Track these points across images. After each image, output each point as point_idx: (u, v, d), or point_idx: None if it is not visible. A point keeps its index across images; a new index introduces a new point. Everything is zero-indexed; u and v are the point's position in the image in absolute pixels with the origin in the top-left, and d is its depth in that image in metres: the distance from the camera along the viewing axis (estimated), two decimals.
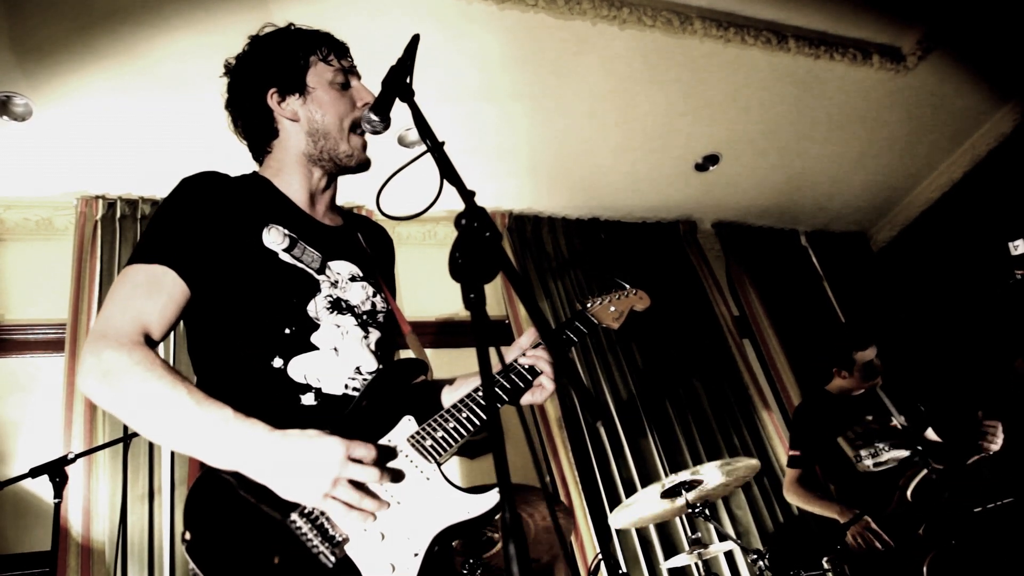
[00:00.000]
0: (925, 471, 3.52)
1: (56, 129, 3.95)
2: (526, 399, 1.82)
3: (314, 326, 1.67)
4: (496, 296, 5.19)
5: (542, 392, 1.81)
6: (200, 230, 1.63)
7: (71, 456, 2.97)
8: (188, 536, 1.36)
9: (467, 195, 1.32)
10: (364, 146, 1.88)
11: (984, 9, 4.73)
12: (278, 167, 1.87)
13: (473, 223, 1.24)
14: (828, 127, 5.54)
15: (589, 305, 2.12)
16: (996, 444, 3.43)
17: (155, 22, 3.53)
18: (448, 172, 1.41)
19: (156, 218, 1.67)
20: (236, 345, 1.62)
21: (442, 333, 4.84)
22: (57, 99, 3.79)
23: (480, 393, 1.71)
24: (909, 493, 3.54)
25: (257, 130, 1.88)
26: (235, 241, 1.66)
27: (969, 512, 3.49)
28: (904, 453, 3.79)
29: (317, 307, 1.69)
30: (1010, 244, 3.10)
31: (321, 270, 1.75)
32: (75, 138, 4.03)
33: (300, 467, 1.38)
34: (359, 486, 1.43)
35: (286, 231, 1.74)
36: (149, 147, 4.18)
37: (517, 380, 1.77)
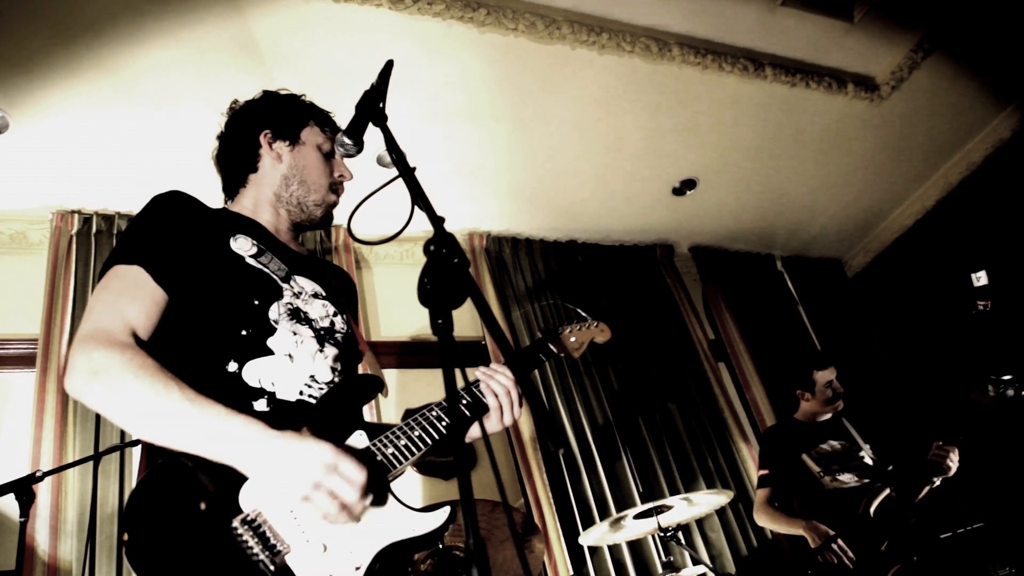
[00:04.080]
0: (887, 491, 3.60)
1: (32, 143, 3.93)
2: (480, 430, 1.84)
3: (271, 330, 1.69)
4: (474, 317, 5.19)
5: (495, 425, 1.83)
6: (173, 237, 1.68)
7: (39, 474, 2.93)
8: (126, 537, 1.37)
9: (436, 221, 1.33)
10: (334, 204, 2.01)
11: (960, 42, 4.83)
12: (250, 204, 1.96)
13: (442, 249, 1.26)
14: (805, 153, 5.61)
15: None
16: (951, 467, 3.49)
17: (134, 38, 3.53)
18: (419, 197, 1.43)
19: (132, 227, 1.72)
20: (192, 349, 1.63)
21: (417, 353, 4.84)
22: (34, 113, 3.77)
23: (434, 413, 1.72)
24: (872, 510, 3.61)
25: (239, 160, 2.00)
26: (203, 245, 1.71)
27: (935, 537, 3.54)
28: (867, 480, 3.86)
29: (278, 311, 1.72)
30: (973, 276, 3.15)
31: (286, 280, 1.80)
32: (52, 152, 4.01)
33: (287, 466, 1.41)
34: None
35: (254, 240, 1.81)
36: (126, 162, 4.16)
37: (465, 410, 1.79)
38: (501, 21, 3.94)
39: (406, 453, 1.64)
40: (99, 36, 3.50)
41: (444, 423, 1.72)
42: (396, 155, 1.51)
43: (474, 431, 1.87)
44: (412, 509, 1.59)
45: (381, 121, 1.60)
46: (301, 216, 1.97)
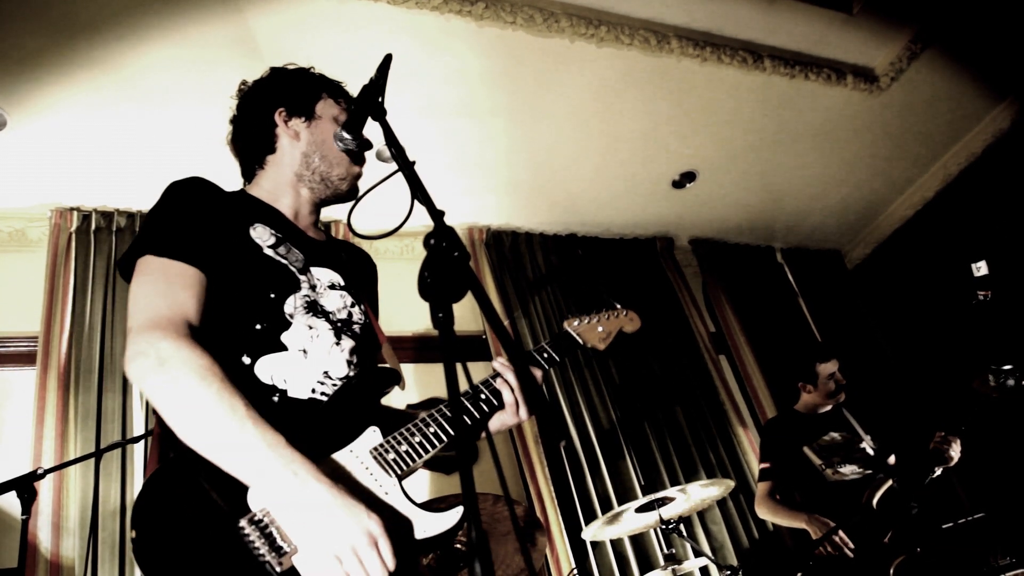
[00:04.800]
0: (890, 482, 3.60)
1: (31, 140, 3.92)
2: (495, 424, 1.83)
3: (286, 324, 1.67)
4: (474, 310, 5.19)
5: (510, 419, 1.82)
6: (200, 224, 1.67)
7: (40, 471, 2.93)
8: (133, 535, 1.35)
9: (436, 215, 1.33)
10: (358, 176, 1.96)
11: (960, 32, 4.82)
12: (270, 187, 1.92)
13: (442, 243, 1.25)
14: (804, 145, 5.60)
15: (576, 324, 2.10)
16: (953, 456, 3.48)
17: (132, 36, 3.52)
18: (419, 191, 1.42)
19: (159, 213, 1.69)
20: (206, 341, 1.59)
21: (419, 348, 4.83)
22: (32, 110, 3.76)
23: (449, 409, 1.70)
24: (875, 502, 3.61)
25: (256, 142, 1.95)
26: (225, 235, 1.69)
27: (937, 528, 3.54)
28: (869, 471, 3.86)
29: (294, 305, 1.70)
30: (973, 265, 3.14)
31: (303, 271, 1.77)
32: (50, 149, 4.00)
33: (331, 520, 1.36)
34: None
35: (272, 230, 1.78)
36: (125, 159, 4.16)
37: (483, 405, 1.77)
38: (499, 15, 3.93)
39: (419, 451, 1.62)
40: (98, 34, 3.49)
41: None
42: (395, 149, 1.51)
43: (493, 425, 1.85)
44: (423, 508, 1.56)
45: (380, 116, 1.59)
46: (326, 192, 1.93)
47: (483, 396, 1.77)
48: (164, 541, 1.35)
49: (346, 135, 1.67)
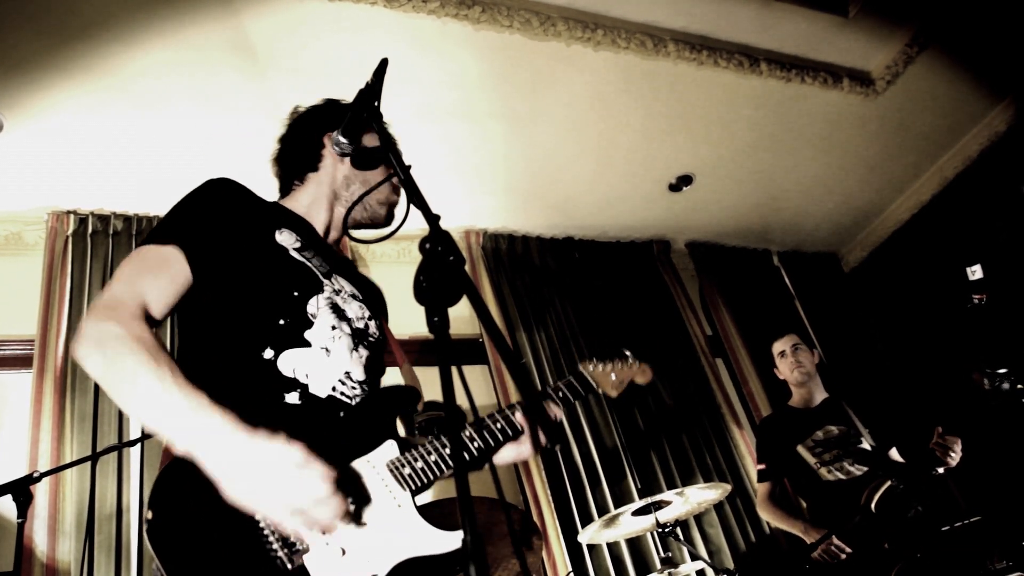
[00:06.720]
0: (889, 483, 3.57)
1: (27, 144, 3.91)
2: (512, 454, 1.89)
3: (309, 323, 1.69)
4: (471, 315, 5.19)
5: (527, 449, 1.90)
6: (215, 219, 1.69)
7: (36, 475, 2.93)
8: (150, 516, 1.36)
9: (432, 219, 1.33)
10: (395, 203, 2.02)
11: (956, 35, 4.83)
12: (307, 201, 1.98)
13: (437, 247, 1.25)
14: (800, 149, 5.61)
15: (592, 368, 2.17)
16: (954, 458, 3.46)
17: (129, 40, 3.52)
18: (414, 195, 1.43)
19: (175, 206, 1.73)
20: (229, 334, 1.62)
21: (414, 351, 4.83)
22: (28, 114, 3.76)
23: (467, 433, 1.76)
24: (874, 505, 3.59)
25: (301, 158, 2.02)
26: (248, 234, 1.72)
27: (937, 531, 3.53)
28: (866, 467, 3.84)
29: (317, 304, 1.72)
30: (968, 269, 3.14)
31: (327, 276, 1.81)
32: (46, 153, 4.00)
33: (267, 484, 1.33)
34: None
35: (298, 236, 1.82)
36: (121, 162, 4.16)
37: (499, 434, 1.82)
38: (496, 18, 3.93)
39: (435, 469, 1.65)
40: (95, 37, 3.49)
41: (476, 443, 1.76)
42: (391, 153, 1.51)
43: (510, 454, 1.91)
44: (432, 526, 1.59)
45: (376, 120, 1.59)
46: (363, 214, 1.99)
47: (499, 425, 1.82)
48: (180, 526, 1.36)
49: (343, 139, 1.68)
